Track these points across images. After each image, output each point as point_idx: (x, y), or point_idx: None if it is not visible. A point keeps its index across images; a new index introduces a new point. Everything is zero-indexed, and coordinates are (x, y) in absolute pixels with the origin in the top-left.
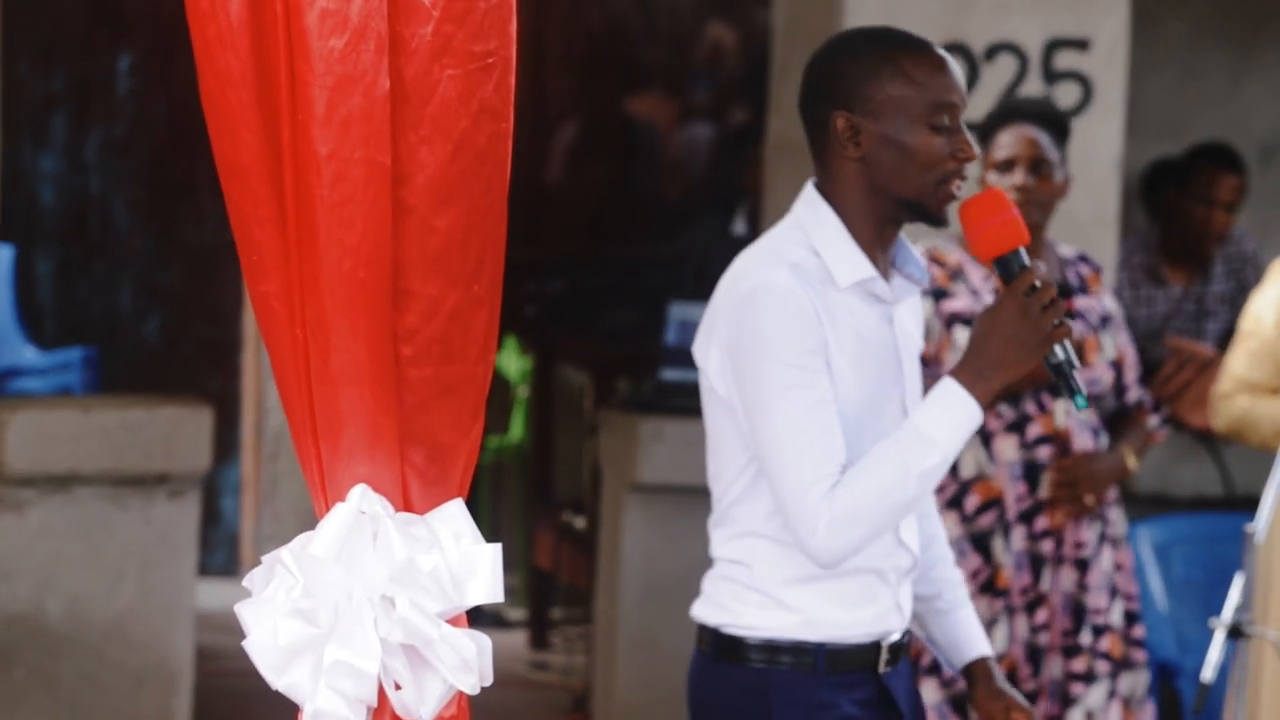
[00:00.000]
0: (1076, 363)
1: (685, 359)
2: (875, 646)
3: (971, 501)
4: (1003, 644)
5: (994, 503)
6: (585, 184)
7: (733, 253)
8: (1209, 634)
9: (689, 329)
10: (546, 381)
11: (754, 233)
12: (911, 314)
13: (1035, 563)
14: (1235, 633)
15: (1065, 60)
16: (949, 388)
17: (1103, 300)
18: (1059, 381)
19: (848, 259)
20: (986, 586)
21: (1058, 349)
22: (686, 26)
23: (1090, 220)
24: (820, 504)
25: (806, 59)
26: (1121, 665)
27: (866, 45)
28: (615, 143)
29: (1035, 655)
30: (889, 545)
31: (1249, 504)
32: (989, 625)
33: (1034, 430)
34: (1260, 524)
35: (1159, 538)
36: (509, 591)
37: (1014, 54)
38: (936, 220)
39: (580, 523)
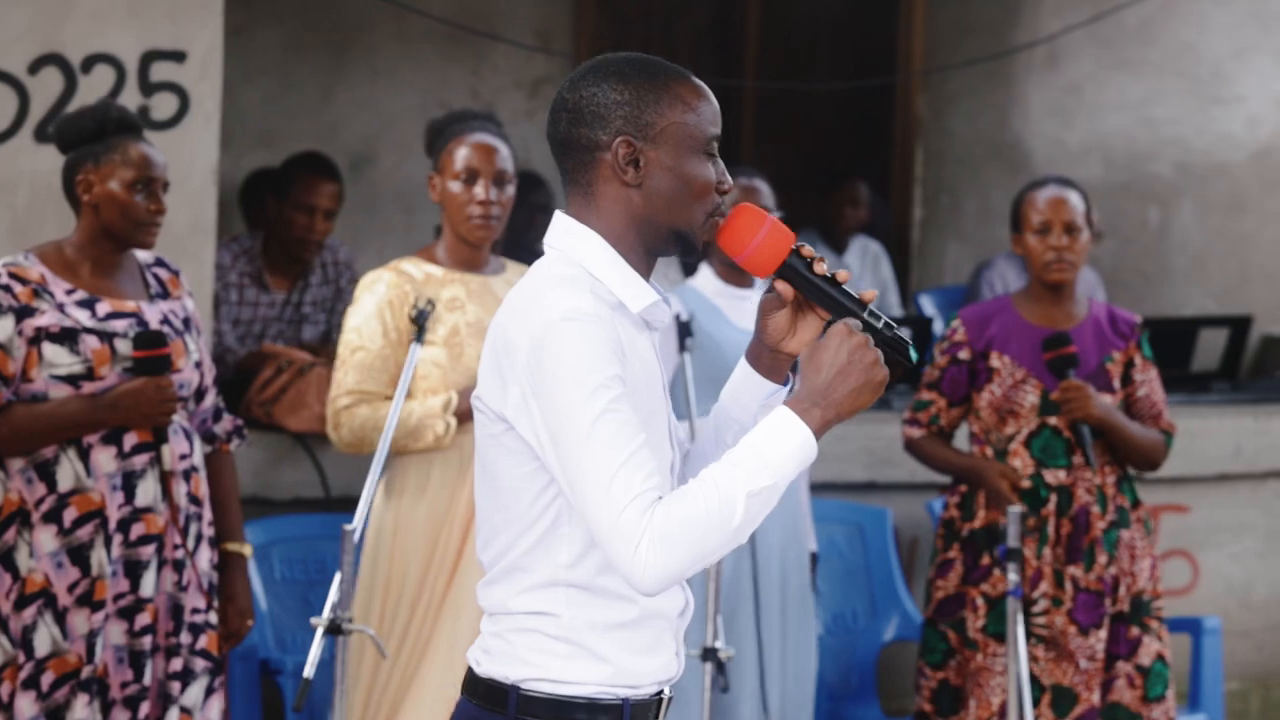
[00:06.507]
0: (894, 325)
1: None
2: (658, 699)
3: (70, 514)
4: (100, 653)
5: (94, 514)
6: None
7: None
8: (309, 631)
9: None
10: None
11: None
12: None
13: (134, 568)
14: (334, 629)
15: (162, 71)
16: (785, 416)
17: (184, 303)
18: (891, 352)
19: (633, 286)
20: (84, 599)
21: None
22: None
23: (188, 229)
24: (640, 520)
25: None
26: (223, 661)
27: (638, 72)
28: None
29: (138, 659)
30: (673, 588)
31: (346, 505)
32: (89, 637)
33: (131, 440)
34: (358, 523)
35: (258, 538)
36: None
37: (112, 65)
38: (699, 252)
39: None
